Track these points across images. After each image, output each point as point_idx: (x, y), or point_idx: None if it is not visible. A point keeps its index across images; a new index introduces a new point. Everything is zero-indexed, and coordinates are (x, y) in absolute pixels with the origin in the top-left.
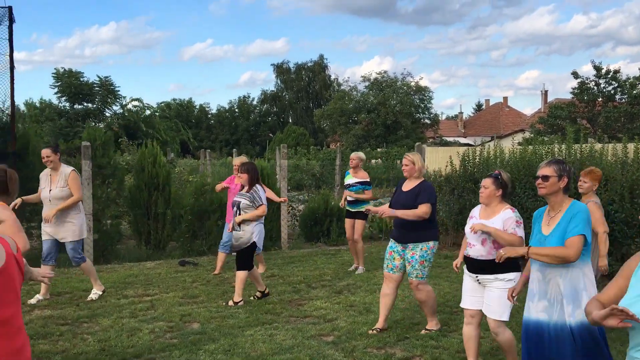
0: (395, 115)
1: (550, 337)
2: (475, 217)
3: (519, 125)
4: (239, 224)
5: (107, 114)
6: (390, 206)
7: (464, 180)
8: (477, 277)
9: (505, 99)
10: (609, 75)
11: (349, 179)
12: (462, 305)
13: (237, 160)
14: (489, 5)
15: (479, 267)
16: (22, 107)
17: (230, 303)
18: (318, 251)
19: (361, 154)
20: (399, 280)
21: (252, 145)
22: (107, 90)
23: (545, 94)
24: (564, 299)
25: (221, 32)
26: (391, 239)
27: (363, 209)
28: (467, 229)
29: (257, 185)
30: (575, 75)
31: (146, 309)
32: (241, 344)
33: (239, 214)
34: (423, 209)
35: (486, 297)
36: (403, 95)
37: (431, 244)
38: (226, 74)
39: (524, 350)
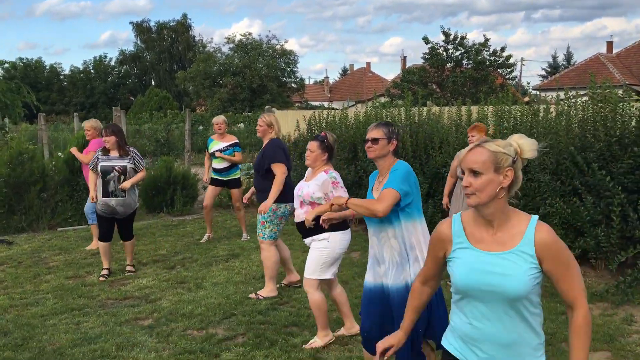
0: (261, 78)
1: (389, 299)
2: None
3: (380, 90)
4: (124, 191)
5: None
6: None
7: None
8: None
9: (368, 64)
10: (457, 42)
11: (217, 145)
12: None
13: (88, 124)
14: None
15: (302, 230)
16: None
17: (131, 269)
18: (159, 223)
19: (223, 117)
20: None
21: (111, 109)
22: None
23: (404, 59)
24: (400, 259)
25: None
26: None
27: (238, 176)
28: (295, 192)
29: (129, 147)
30: (426, 40)
31: None
32: (38, 337)
33: (124, 179)
34: (278, 170)
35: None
36: (269, 58)
37: (274, 205)
38: (84, 33)
39: (363, 314)
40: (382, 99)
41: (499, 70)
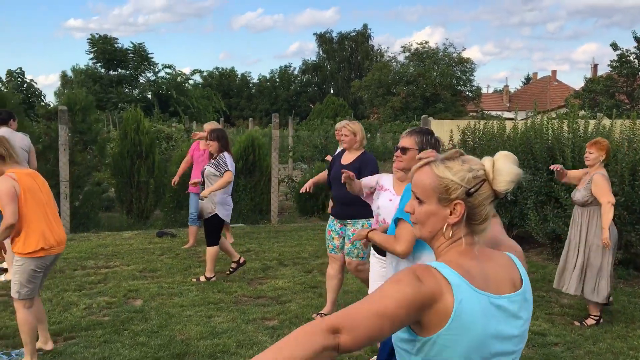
0: (434, 87)
1: None
2: (390, 190)
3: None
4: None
5: (141, 81)
6: (328, 178)
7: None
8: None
9: (554, 72)
10: None
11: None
12: None
13: (208, 126)
14: None
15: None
16: (70, 73)
17: (202, 279)
18: (308, 226)
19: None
20: (343, 260)
21: (293, 116)
22: (140, 57)
23: (595, 67)
24: None
25: (271, 1)
26: (330, 216)
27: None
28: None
29: (225, 152)
30: (614, 47)
31: (96, 282)
32: (172, 326)
33: (203, 182)
34: None
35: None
36: (444, 66)
37: (372, 220)
38: (275, 45)
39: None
40: (563, 110)
41: None
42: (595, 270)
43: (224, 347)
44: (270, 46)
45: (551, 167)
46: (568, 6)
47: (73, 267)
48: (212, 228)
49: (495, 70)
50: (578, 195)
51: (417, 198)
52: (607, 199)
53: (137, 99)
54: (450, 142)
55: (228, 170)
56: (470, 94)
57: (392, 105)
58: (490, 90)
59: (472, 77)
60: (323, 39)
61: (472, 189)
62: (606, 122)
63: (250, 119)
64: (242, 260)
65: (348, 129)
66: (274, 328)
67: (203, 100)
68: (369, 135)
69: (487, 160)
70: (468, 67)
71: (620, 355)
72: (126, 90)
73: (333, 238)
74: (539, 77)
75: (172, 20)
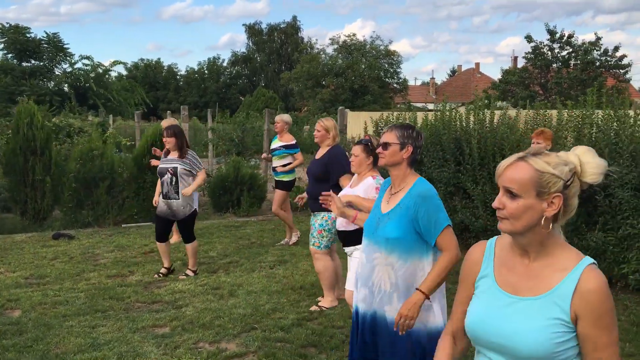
0: (363, 79)
1: (366, 329)
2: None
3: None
4: (176, 193)
5: (57, 72)
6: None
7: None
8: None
9: (477, 64)
10: (563, 40)
11: (274, 144)
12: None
13: (165, 123)
14: None
15: (344, 239)
16: None
17: (189, 273)
18: (222, 223)
19: (286, 117)
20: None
21: (222, 108)
22: (55, 47)
23: (515, 59)
24: (394, 293)
25: None
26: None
27: (287, 179)
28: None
29: (188, 149)
30: (529, 39)
31: None
32: (49, 339)
33: (175, 181)
34: (345, 182)
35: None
36: (372, 59)
37: (333, 214)
38: (206, 36)
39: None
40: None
41: (611, 71)
42: None
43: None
44: (201, 38)
45: None
46: (492, 1)
47: None
48: (190, 224)
49: (423, 63)
50: None
51: (511, 193)
52: None
53: (52, 91)
54: (366, 135)
55: (202, 168)
56: (397, 86)
57: (321, 98)
58: (418, 83)
59: (399, 70)
60: (253, 31)
61: (569, 182)
62: (512, 112)
63: (183, 106)
64: (172, 267)
65: (321, 125)
66: (163, 336)
67: (124, 92)
68: (295, 127)
69: (572, 155)
70: (395, 59)
71: None
72: (40, 82)
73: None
74: (463, 69)
75: (97, 10)
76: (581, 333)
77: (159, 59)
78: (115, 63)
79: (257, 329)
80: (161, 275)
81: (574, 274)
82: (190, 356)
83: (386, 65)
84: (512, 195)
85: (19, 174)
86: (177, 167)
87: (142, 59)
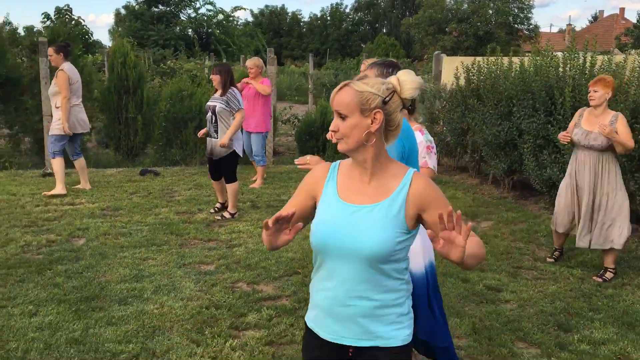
0: (489, 25)
1: None
2: None
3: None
4: (215, 132)
5: (182, 18)
6: None
7: (466, 96)
8: None
9: (622, 10)
10: None
11: None
12: None
13: (250, 62)
14: None
15: None
16: (122, 11)
17: (227, 215)
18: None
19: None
20: None
21: (342, 56)
22: None
23: None
24: None
25: None
26: None
27: None
28: None
29: (232, 87)
30: None
31: (51, 219)
32: (100, 267)
33: (214, 120)
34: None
35: None
36: (500, 3)
37: None
38: None
39: None
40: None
41: None
42: (615, 216)
43: (139, 291)
44: None
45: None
46: None
47: (36, 203)
48: (230, 165)
49: (563, 9)
50: (599, 139)
51: (340, 115)
52: (632, 143)
53: (177, 36)
54: (454, 84)
55: (241, 108)
56: (527, 33)
57: (442, 45)
58: (555, 30)
59: (530, 15)
60: None
61: (387, 98)
62: (618, 57)
63: (311, 54)
64: (227, 204)
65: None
66: (205, 273)
67: (244, 38)
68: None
69: (392, 78)
70: (526, 3)
71: (576, 316)
72: (166, 27)
73: None
74: (605, 15)
75: None
76: (430, 220)
77: (283, 5)
78: (236, 9)
79: (299, 274)
80: (216, 209)
81: (405, 180)
82: (223, 295)
83: (516, 10)
84: (342, 116)
85: (113, 112)
86: (216, 106)
87: (267, 6)
